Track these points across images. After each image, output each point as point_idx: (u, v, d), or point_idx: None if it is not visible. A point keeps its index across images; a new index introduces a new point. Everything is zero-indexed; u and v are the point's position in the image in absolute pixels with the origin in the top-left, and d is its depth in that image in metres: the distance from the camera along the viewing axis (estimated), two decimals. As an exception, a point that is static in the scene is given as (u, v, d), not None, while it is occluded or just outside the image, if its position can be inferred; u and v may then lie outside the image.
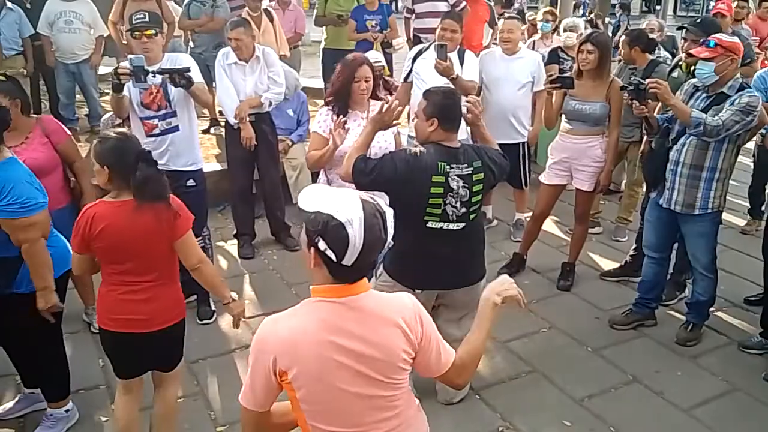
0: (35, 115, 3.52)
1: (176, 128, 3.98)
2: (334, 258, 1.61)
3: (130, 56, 3.76)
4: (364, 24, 7.02)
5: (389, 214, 1.70)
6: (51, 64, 6.93)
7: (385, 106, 3.09)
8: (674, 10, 22.69)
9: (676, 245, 4.10)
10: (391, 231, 1.70)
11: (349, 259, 1.62)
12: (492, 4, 7.74)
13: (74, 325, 3.98)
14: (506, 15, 5.38)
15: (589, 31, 4.81)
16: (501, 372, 3.67)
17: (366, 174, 2.92)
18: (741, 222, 5.75)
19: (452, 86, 3.38)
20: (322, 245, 1.61)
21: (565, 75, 4.47)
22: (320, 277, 1.68)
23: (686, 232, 3.81)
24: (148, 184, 2.49)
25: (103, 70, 7.57)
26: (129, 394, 2.80)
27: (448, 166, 2.92)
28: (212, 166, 5.74)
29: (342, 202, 1.63)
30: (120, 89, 3.75)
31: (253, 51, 4.66)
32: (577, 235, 4.64)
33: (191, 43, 7.36)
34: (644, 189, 4.60)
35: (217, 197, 5.43)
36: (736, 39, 3.61)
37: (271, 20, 6.81)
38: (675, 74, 4.49)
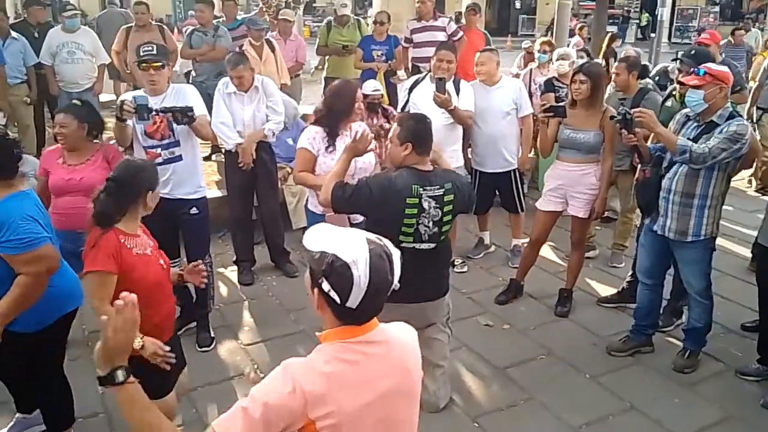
0: (98, 142, 3.84)
1: (179, 158, 4.03)
2: (338, 300, 1.56)
3: (133, 94, 3.87)
4: (370, 53, 7.16)
5: (396, 255, 1.65)
6: (54, 93, 7.04)
7: (358, 133, 3.29)
8: (669, 38, 22.96)
9: (672, 271, 4.13)
10: (398, 273, 1.63)
11: (353, 302, 1.56)
12: (487, 32, 7.87)
13: (73, 351, 3.98)
14: (482, 48, 5.47)
15: (582, 60, 4.89)
16: (499, 399, 3.67)
17: (344, 200, 3.09)
18: (737, 248, 5.78)
19: (424, 113, 3.51)
20: (326, 286, 1.56)
21: (558, 104, 4.55)
22: (328, 320, 1.63)
23: (680, 259, 3.85)
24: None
25: (103, 97, 7.68)
26: None
27: (421, 189, 3.06)
28: (213, 192, 5.79)
29: (347, 242, 1.59)
30: (123, 120, 3.83)
31: (252, 81, 4.75)
32: (573, 261, 4.67)
33: (193, 72, 7.46)
34: (638, 215, 4.64)
35: (218, 223, 5.47)
36: (725, 68, 3.69)
37: (273, 50, 6.94)
38: (669, 103, 4.57)
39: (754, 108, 7.09)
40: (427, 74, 4.89)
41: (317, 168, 3.80)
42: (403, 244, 3.05)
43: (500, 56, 5.24)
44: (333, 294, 1.56)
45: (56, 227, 3.53)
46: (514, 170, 5.18)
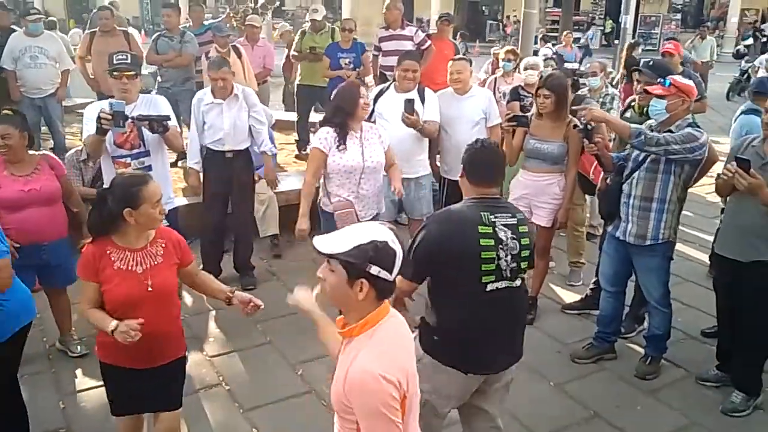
0: (34, 152, 3.77)
1: (149, 168, 3.97)
2: (387, 276, 1.81)
3: (110, 101, 3.82)
4: (338, 61, 7.15)
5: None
6: (15, 98, 6.88)
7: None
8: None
9: (634, 278, 4.21)
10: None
11: (395, 272, 1.83)
12: (456, 42, 7.92)
13: (34, 366, 3.91)
14: (455, 57, 5.50)
15: (547, 74, 4.95)
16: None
17: (410, 264, 2.56)
18: (696, 254, 5.92)
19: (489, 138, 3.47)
20: (375, 270, 1.79)
21: (522, 115, 4.61)
22: (365, 306, 1.84)
23: (638, 267, 3.93)
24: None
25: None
26: None
27: (492, 216, 2.62)
28: (179, 200, 5.72)
29: (373, 229, 1.85)
30: (104, 133, 3.79)
31: (231, 90, 4.73)
32: (538, 269, 4.71)
33: (159, 78, 7.38)
34: (600, 225, 4.71)
35: (185, 231, 5.39)
36: (690, 82, 3.78)
37: (239, 56, 6.90)
38: (628, 114, 4.65)
39: None
40: (391, 84, 4.90)
41: (332, 167, 3.96)
42: (489, 287, 2.60)
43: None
44: (383, 273, 1.80)
45: (15, 241, 3.49)
46: None
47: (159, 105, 4.03)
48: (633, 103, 4.69)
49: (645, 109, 4.20)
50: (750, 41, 22.38)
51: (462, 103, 5.03)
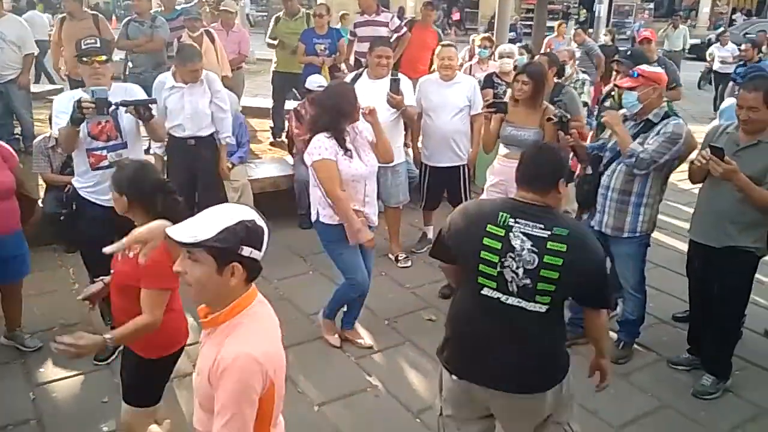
0: None
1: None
2: (258, 256, 1.75)
3: (91, 88, 3.64)
4: (313, 47, 7.06)
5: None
6: None
7: None
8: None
9: (608, 264, 4.24)
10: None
11: (264, 250, 1.77)
12: (441, 31, 7.89)
13: (3, 356, 3.84)
14: (444, 42, 5.49)
15: (525, 61, 4.97)
16: (431, 394, 3.70)
17: (437, 246, 2.61)
18: (669, 240, 6.00)
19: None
20: (246, 251, 1.72)
21: (500, 100, 4.60)
22: (235, 291, 1.77)
23: (615, 253, 3.96)
24: (167, 214, 2.51)
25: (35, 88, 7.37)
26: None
27: (511, 219, 2.34)
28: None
29: (234, 209, 1.76)
30: (80, 122, 3.59)
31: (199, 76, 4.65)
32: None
33: (130, 64, 7.24)
34: (574, 211, 4.74)
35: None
36: (659, 69, 3.82)
37: (212, 41, 6.79)
38: (607, 103, 4.68)
39: None
40: (364, 70, 4.87)
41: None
42: (484, 291, 2.37)
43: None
44: (254, 254, 1.74)
45: None
46: (463, 165, 5.22)
47: (135, 93, 3.87)
48: (612, 92, 4.72)
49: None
50: (721, 29, 22.70)
51: (447, 90, 5.02)
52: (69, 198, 4.10)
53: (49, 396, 3.59)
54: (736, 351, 3.86)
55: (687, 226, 3.94)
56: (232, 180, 5.57)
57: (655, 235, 5.93)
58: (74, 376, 3.72)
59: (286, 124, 6.81)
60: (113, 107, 3.61)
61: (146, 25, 6.96)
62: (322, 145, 3.57)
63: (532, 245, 2.29)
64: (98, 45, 3.79)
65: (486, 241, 2.34)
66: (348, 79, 5.04)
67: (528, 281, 2.30)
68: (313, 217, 3.84)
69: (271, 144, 7.65)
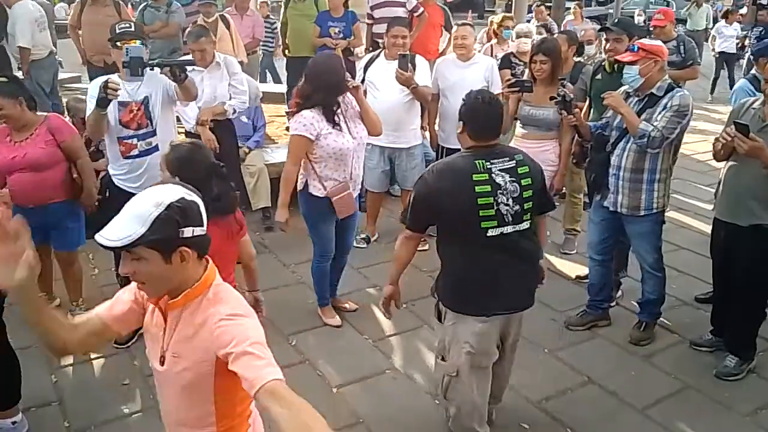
0: (43, 113, 3.76)
1: (155, 148, 3.80)
2: (202, 231, 1.67)
3: (126, 46, 3.54)
4: (327, 30, 7.00)
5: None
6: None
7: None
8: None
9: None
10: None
11: (206, 222, 1.70)
12: (447, 8, 7.79)
13: (24, 340, 3.86)
14: (460, 22, 5.42)
15: (539, 39, 4.88)
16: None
17: (411, 213, 2.79)
18: (691, 221, 5.91)
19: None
20: (188, 231, 1.62)
21: (523, 79, 4.51)
22: (192, 271, 1.68)
23: (631, 233, 3.91)
24: (222, 200, 2.53)
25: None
26: None
27: (487, 162, 2.66)
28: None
29: (157, 194, 1.62)
30: (106, 104, 3.53)
31: (213, 58, 4.62)
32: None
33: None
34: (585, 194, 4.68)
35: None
36: (658, 42, 3.77)
37: (228, 26, 6.78)
38: (599, 76, 4.56)
39: None
40: (381, 51, 4.82)
41: (324, 150, 3.67)
42: (489, 232, 2.65)
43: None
44: (197, 230, 1.65)
45: (14, 203, 3.61)
46: None
47: (162, 79, 3.83)
48: (603, 63, 4.61)
49: (615, 66, 4.19)
50: (744, 10, 22.20)
51: (464, 70, 4.96)
52: (103, 185, 4.11)
53: (70, 379, 3.63)
54: (760, 332, 3.79)
55: (710, 207, 3.89)
56: (248, 165, 5.58)
57: (678, 216, 5.91)
58: (95, 359, 3.76)
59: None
60: (148, 68, 3.54)
61: (162, 10, 6.97)
62: (302, 121, 3.62)
63: (510, 177, 2.67)
64: (132, 29, 3.78)
65: (478, 189, 2.61)
66: (362, 62, 4.98)
67: (517, 207, 2.68)
68: (300, 186, 3.84)
69: (287, 129, 7.61)
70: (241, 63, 6.34)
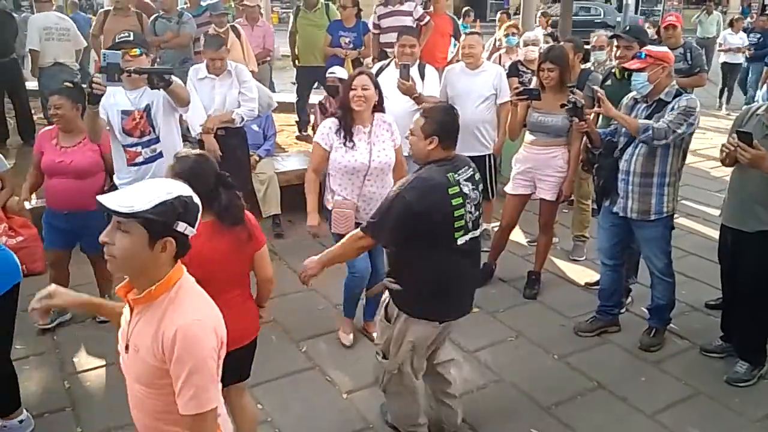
0: None
1: (160, 155, 3.85)
2: (191, 232, 1.73)
3: (104, 51, 3.53)
4: (338, 40, 7.05)
5: None
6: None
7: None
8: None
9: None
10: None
11: (196, 227, 1.75)
12: (455, 17, 7.84)
13: (39, 346, 3.93)
14: (468, 30, 5.45)
15: (546, 47, 4.90)
16: (469, 382, 3.70)
17: (382, 229, 2.77)
18: (700, 227, 5.90)
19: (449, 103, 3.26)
20: (181, 227, 1.69)
21: (531, 87, 4.53)
22: (164, 266, 1.73)
23: (641, 238, 3.91)
24: (230, 210, 2.53)
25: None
26: None
27: (455, 174, 2.78)
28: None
29: (172, 184, 1.74)
30: (96, 101, 3.52)
31: (225, 66, 4.69)
32: (541, 244, 4.71)
33: (157, 60, 7.32)
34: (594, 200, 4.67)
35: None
36: (665, 49, 3.78)
37: (238, 36, 6.84)
38: (609, 82, 4.58)
39: None
40: (391, 60, 4.86)
41: (331, 164, 3.70)
42: (459, 241, 2.78)
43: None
44: (188, 230, 1.72)
45: (48, 205, 3.93)
46: (489, 155, 5.18)
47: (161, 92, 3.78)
48: (613, 70, 4.63)
49: (625, 73, 4.21)
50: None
51: (473, 79, 4.98)
52: None
53: (83, 385, 3.66)
54: (770, 337, 3.78)
55: (718, 213, 3.89)
56: (258, 173, 5.63)
57: (686, 222, 5.90)
58: (107, 365, 3.79)
59: (312, 117, 6.82)
60: (124, 74, 3.49)
61: (173, 21, 7.03)
62: (321, 130, 3.74)
63: (471, 185, 2.81)
64: (131, 38, 3.81)
65: (454, 201, 2.72)
66: (374, 69, 5.01)
67: (477, 213, 2.85)
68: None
69: (297, 138, 7.68)
70: (252, 72, 6.43)
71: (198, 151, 2.73)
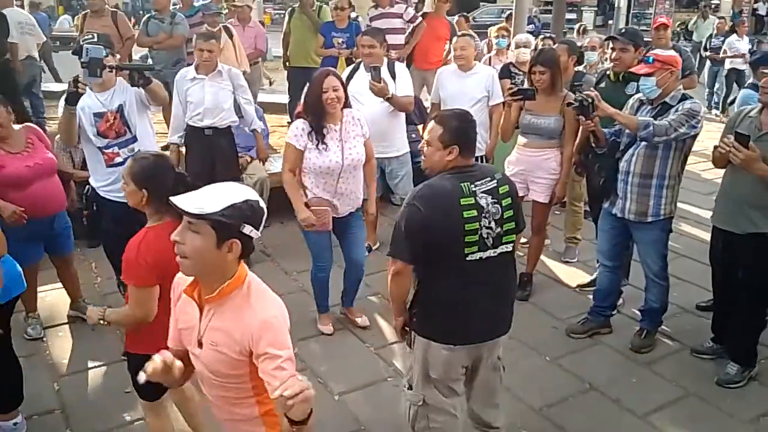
0: (17, 125, 3.70)
1: None
2: (256, 235, 1.80)
3: (86, 46, 3.48)
4: (331, 41, 7.06)
5: None
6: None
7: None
8: (626, 24, 23.33)
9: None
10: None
11: (261, 230, 1.83)
12: (453, 21, 7.84)
13: (28, 348, 3.89)
14: (459, 33, 5.46)
15: (538, 50, 4.91)
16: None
17: (402, 243, 2.55)
18: (691, 229, 5.92)
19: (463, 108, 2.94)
20: (248, 229, 1.76)
21: (526, 88, 4.52)
22: (231, 267, 1.81)
23: (638, 240, 3.92)
24: None
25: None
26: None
27: (471, 185, 2.54)
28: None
29: (240, 188, 1.82)
30: (75, 101, 3.50)
31: (215, 66, 4.67)
32: (533, 246, 4.72)
33: (149, 60, 7.29)
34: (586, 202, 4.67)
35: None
36: (672, 53, 3.78)
37: (231, 36, 6.83)
38: (603, 84, 4.58)
39: None
40: (360, 63, 4.84)
41: (305, 163, 3.73)
42: (469, 257, 2.53)
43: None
44: (253, 233, 1.79)
45: (32, 216, 3.56)
46: (481, 157, 5.18)
47: (136, 90, 3.81)
48: (608, 72, 4.63)
49: (620, 75, 4.25)
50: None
51: (465, 80, 5.00)
52: (89, 199, 4.15)
53: (72, 387, 3.64)
54: (761, 339, 3.79)
55: (709, 215, 3.90)
56: (250, 173, 5.61)
57: (677, 224, 5.89)
58: (97, 367, 3.77)
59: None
60: (106, 69, 3.47)
61: (165, 22, 7.00)
62: (293, 130, 3.74)
63: (492, 199, 2.56)
64: (95, 39, 3.77)
65: (466, 214, 2.50)
66: (344, 74, 4.96)
67: (499, 229, 2.57)
68: None
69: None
70: (243, 73, 6.41)
71: (157, 151, 2.71)
